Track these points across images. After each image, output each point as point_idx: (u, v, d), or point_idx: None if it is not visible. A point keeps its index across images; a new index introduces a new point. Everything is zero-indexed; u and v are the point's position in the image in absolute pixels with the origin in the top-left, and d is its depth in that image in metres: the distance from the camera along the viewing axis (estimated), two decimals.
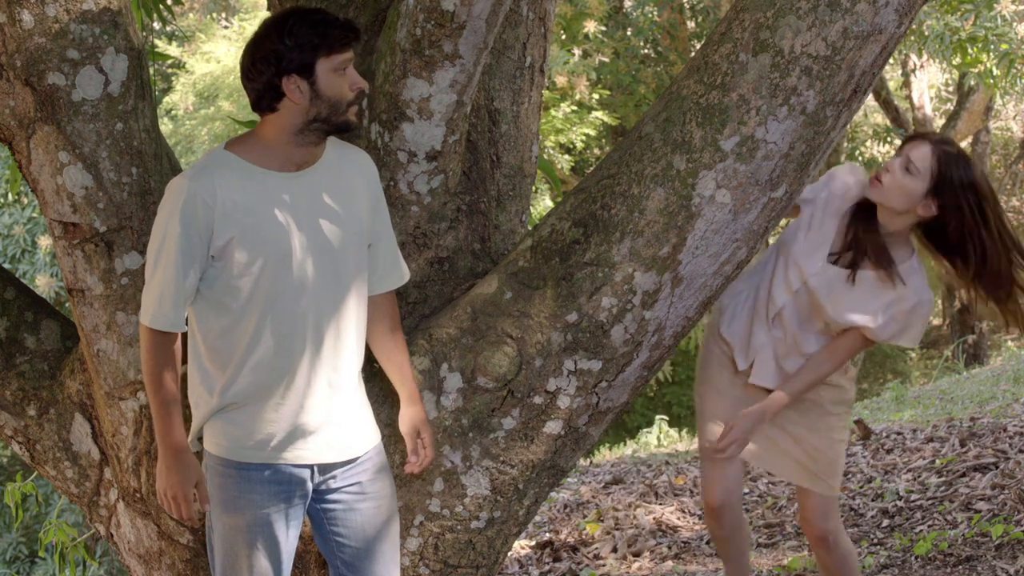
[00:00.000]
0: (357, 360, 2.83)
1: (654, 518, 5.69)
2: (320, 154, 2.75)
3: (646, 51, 13.66)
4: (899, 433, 6.65)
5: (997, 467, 5.45)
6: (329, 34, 2.64)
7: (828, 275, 3.30)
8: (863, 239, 3.25)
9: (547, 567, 5.35)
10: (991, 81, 10.15)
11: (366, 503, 2.82)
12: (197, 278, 2.66)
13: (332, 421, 2.76)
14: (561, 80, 12.52)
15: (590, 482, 6.82)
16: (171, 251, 2.62)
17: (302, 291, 2.70)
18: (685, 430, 10.52)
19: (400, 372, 2.94)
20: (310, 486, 2.77)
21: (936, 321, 21.96)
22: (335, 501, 2.81)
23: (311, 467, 2.76)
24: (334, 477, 2.79)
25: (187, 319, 2.73)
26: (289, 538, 2.76)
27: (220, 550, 2.76)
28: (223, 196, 2.63)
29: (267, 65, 2.64)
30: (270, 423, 2.71)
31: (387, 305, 2.94)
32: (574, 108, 12.85)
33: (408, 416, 2.94)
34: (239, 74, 2.74)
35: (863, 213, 3.28)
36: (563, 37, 12.71)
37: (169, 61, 14.81)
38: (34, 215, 10.84)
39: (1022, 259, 3.17)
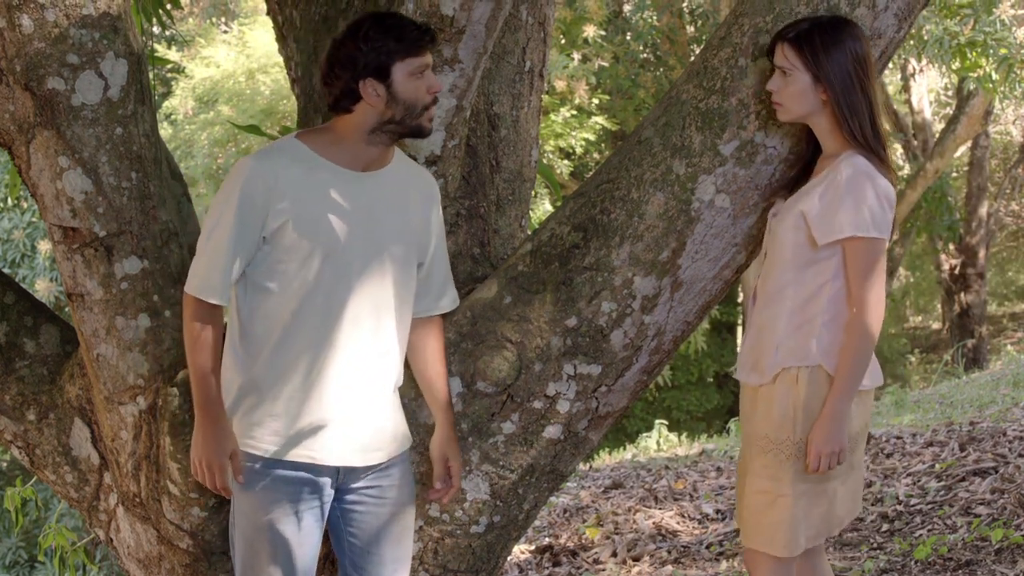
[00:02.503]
0: (395, 366, 2.83)
1: (654, 522, 5.69)
2: (387, 161, 2.78)
3: (645, 55, 13.69)
4: (899, 437, 6.65)
5: (997, 471, 5.45)
6: (405, 37, 2.66)
7: (780, 207, 2.99)
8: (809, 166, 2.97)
9: (547, 571, 5.35)
10: (990, 85, 10.16)
11: (384, 508, 2.83)
12: (247, 257, 2.67)
13: (361, 423, 2.76)
14: (560, 84, 12.54)
15: (590, 486, 6.82)
16: (226, 227, 2.64)
17: (346, 288, 2.70)
18: (684, 434, 10.53)
19: (438, 398, 2.95)
20: (333, 488, 2.77)
21: (936, 325, 21.97)
22: (354, 502, 2.81)
23: (337, 469, 2.75)
24: (357, 480, 2.79)
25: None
26: (314, 538, 2.76)
27: (241, 547, 2.76)
28: (284, 181, 2.65)
29: (344, 69, 2.66)
30: (298, 418, 2.70)
31: (435, 329, 2.95)
32: (574, 113, 12.86)
33: (440, 443, 2.95)
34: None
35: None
36: (563, 41, 12.73)
37: (169, 65, 14.82)
38: (34, 219, 10.84)
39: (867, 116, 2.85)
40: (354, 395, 2.74)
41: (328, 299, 2.69)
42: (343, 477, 2.77)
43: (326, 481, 2.74)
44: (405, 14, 2.90)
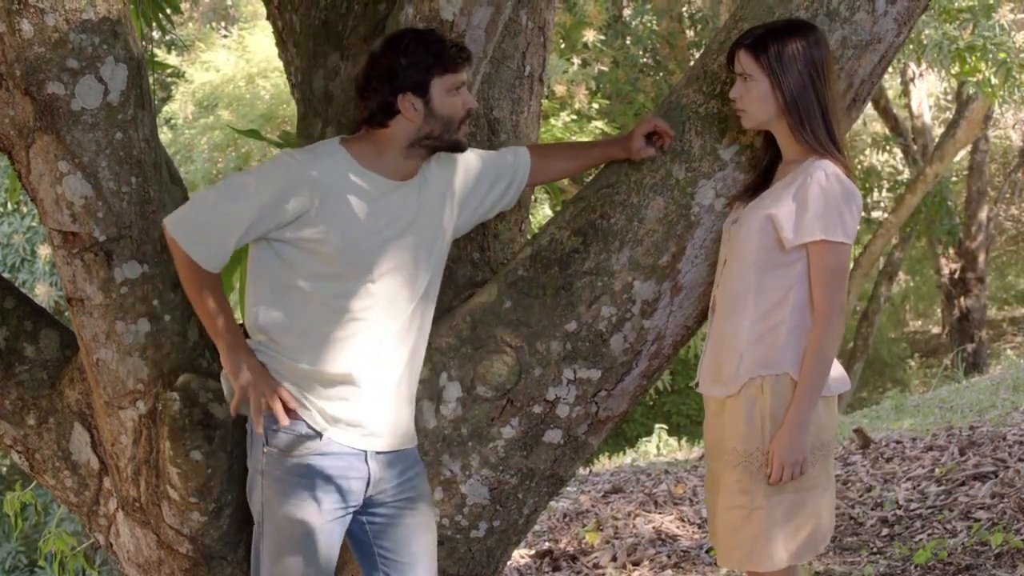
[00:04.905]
0: (419, 367, 2.87)
1: (653, 527, 5.69)
2: (420, 168, 2.81)
3: (645, 60, 13.68)
4: (898, 442, 6.65)
5: (996, 476, 5.44)
6: (444, 54, 2.69)
7: (740, 214, 2.96)
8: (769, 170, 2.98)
9: None
10: (989, 90, 10.17)
11: (410, 518, 2.85)
12: (253, 238, 2.69)
13: (390, 412, 2.79)
14: (560, 89, 12.53)
15: (589, 491, 6.82)
16: (251, 209, 2.64)
17: (379, 286, 2.73)
18: (684, 439, 10.53)
19: (587, 147, 3.22)
20: (363, 490, 2.77)
21: (936, 329, 21.97)
22: (383, 515, 2.83)
23: (365, 456, 2.75)
24: (383, 491, 2.81)
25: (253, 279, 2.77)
26: (338, 540, 2.77)
27: (270, 549, 2.76)
28: (328, 185, 2.67)
29: (383, 83, 2.69)
30: (328, 409, 2.73)
31: (537, 152, 3.07)
32: (573, 117, 12.85)
33: (621, 143, 3.04)
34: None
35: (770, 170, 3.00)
36: (562, 46, 12.72)
37: (168, 70, 14.81)
38: (33, 224, 10.84)
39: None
40: (386, 388, 2.78)
41: (373, 308, 2.72)
42: (373, 469, 2.77)
43: (360, 478, 2.76)
44: (404, 19, 2.90)
